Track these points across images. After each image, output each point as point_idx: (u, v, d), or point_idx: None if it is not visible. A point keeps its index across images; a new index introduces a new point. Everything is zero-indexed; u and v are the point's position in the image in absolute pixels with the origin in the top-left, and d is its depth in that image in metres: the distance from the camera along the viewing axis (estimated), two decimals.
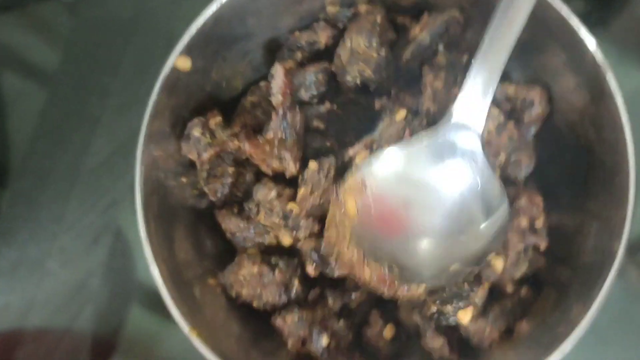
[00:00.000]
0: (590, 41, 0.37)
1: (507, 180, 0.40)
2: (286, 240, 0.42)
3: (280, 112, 0.41)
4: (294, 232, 0.41)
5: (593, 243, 0.39)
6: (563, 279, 0.40)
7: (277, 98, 0.41)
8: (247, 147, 0.40)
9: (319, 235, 0.41)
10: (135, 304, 0.53)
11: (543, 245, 0.40)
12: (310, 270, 0.41)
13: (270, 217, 0.40)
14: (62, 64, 0.56)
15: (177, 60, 0.39)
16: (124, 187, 0.52)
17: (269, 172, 0.41)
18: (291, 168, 0.41)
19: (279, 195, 0.40)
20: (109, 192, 0.53)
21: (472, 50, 0.43)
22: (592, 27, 0.40)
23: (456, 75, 0.41)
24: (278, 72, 0.40)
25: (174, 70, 0.40)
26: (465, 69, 0.42)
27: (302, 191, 0.40)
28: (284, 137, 0.41)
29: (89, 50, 0.55)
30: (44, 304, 0.52)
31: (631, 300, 0.49)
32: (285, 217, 0.40)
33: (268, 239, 0.43)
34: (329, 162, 0.40)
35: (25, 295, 0.52)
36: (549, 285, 0.41)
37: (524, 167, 0.40)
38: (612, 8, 0.53)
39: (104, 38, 0.55)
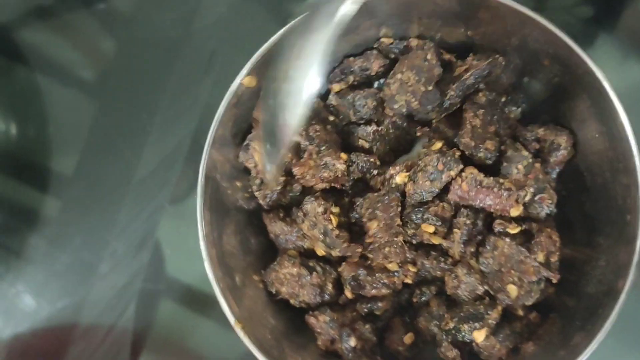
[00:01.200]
0: (610, 91, 0.41)
1: (528, 217, 0.45)
2: (320, 252, 0.47)
3: (303, 132, 0.46)
4: (329, 248, 0.46)
5: (600, 276, 0.43)
6: (569, 307, 0.45)
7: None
8: (296, 171, 0.45)
9: (359, 260, 0.46)
10: (169, 303, 0.58)
11: (555, 279, 0.44)
12: (348, 294, 0.47)
13: (313, 229, 0.45)
14: (110, 79, 0.60)
15: (245, 79, 0.44)
16: (166, 196, 0.57)
17: (322, 186, 0.46)
18: (338, 167, 0.45)
19: (324, 212, 0.45)
20: (154, 199, 0.57)
21: (509, 91, 0.48)
22: (597, 30, 0.43)
23: (494, 114, 0.46)
24: None
25: (241, 86, 0.44)
26: (502, 108, 0.47)
27: (374, 225, 0.45)
28: (318, 149, 0.46)
29: (138, 67, 0.59)
30: (94, 304, 0.57)
31: None
32: (325, 233, 0.45)
33: (307, 244, 0.48)
34: (397, 198, 0.45)
35: (78, 297, 0.57)
36: (556, 312, 0.46)
37: (546, 206, 0.44)
38: (616, 10, 0.55)
39: (153, 56, 0.59)
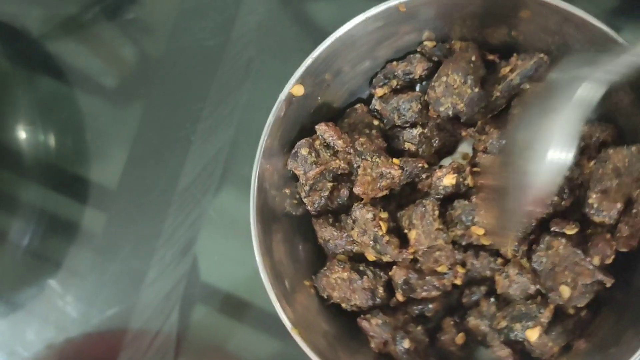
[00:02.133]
0: None
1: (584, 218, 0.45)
2: (370, 257, 0.48)
3: (351, 150, 0.47)
4: (380, 254, 0.47)
5: None
6: (620, 302, 0.45)
7: (338, 144, 0.47)
8: (358, 190, 0.46)
9: (411, 263, 0.47)
10: (202, 306, 0.59)
11: (609, 283, 0.44)
12: (399, 297, 0.48)
13: (363, 236, 0.46)
14: (152, 89, 0.61)
15: (293, 88, 0.45)
16: (207, 203, 0.59)
17: (381, 194, 0.47)
18: (394, 174, 0.46)
19: (373, 218, 0.46)
20: (197, 207, 0.59)
21: None
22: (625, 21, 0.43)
23: None
24: (321, 129, 0.47)
25: (289, 95, 0.45)
26: None
27: (413, 234, 0.46)
28: (371, 162, 0.47)
29: (180, 77, 0.61)
30: (142, 310, 0.59)
31: None
32: (375, 240, 0.46)
33: (356, 248, 0.49)
34: (432, 203, 0.46)
35: (127, 304, 0.59)
36: (607, 308, 0.46)
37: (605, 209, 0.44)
38: None
39: (194, 65, 0.60)
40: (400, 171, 0.46)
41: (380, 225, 0.46)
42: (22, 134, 0.63)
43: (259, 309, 0.57)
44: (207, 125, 0.59)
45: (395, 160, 0.47)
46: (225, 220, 0.59)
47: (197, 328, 0.59)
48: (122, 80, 0.63)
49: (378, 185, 0.46)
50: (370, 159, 0.46)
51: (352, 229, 0.47)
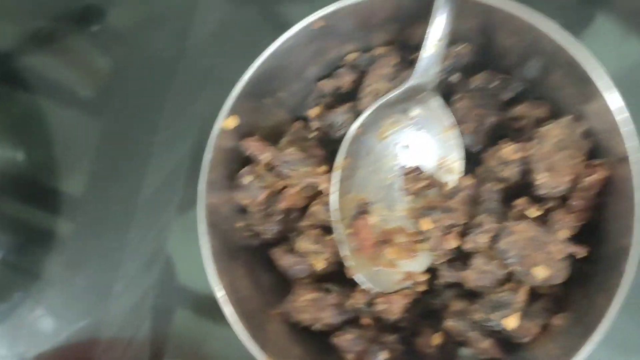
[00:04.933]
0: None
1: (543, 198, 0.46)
2: (320, 265, 0.49)
3: (278, 162, 0.49)
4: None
5: (610, 239, 0.45)
6: (589, 274, 0.46)
7: (264, 157, 0.49)
8: (283, 205, 0.49)
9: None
10: (182, 310, 0.61)
11: (584, 252, 0.44)
12: (366, 321, 0.49)
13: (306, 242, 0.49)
14: (109, 100, 0.65)
15: (225, 121, 0.47)
16: (171, 212, 0.61)
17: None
18: (322, 182, 0.48)
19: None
20: (161, 217, 0.61)
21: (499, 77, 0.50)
22: (593, 12, 0.45)
23: (482, 99, 0.49)
24: (246, 145, 0.49)
25: (223, 130, 0.47)
26: (493, 94, 0.50)
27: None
28: (299, 172, 0.49)
29: (137, 89, 0.64)
30: (111, 322, 0.61)
31: None
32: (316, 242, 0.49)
33: (318, 267, 0.50)
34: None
35: (95, 316, 0.62)
36: (576, 281, 0.47)
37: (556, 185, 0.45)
38: None
39: (147, 76, 0.64)
40: (324, 177, 0.48)
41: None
42: None
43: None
44: (166, 136, 0.62)
45: (321, 169, 0.48)
46: (191, 227, 0.60)
47: (173, 335, 0.61)
48: (82, 90, 0.67)
49: (306, 196, 0.48)
50: (298, 169, 0.48)
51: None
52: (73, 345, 0.62)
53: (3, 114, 0.68)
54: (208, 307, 0.59)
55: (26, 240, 0.65)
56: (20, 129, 0.67)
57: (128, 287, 0.61)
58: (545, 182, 0.45)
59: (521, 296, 0.45)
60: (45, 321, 0.62)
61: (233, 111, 0.47)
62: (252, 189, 0.48)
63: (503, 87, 0.50)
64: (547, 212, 0.46)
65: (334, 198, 0.47)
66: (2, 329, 0.63)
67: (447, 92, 0.50)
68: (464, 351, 0.50)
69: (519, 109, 0.49)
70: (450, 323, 0.48)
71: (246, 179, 0.48)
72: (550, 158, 0.45)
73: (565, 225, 0.44)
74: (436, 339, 0.49)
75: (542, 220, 0.45)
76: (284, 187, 0.49)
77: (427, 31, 0.45)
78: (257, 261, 0.52)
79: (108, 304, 0.61)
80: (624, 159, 0.42)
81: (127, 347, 0.60)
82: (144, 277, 0.61)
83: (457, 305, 0.49)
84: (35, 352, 0.62)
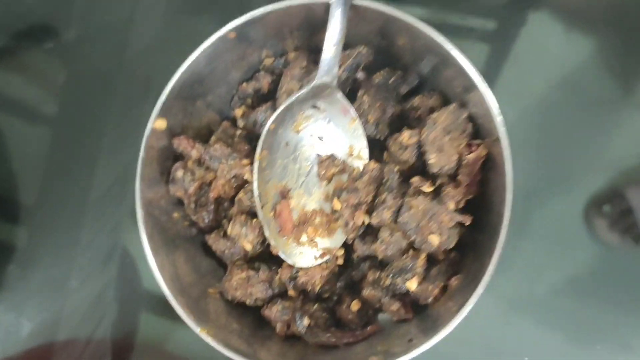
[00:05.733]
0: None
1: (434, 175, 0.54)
2: (247, 246, 0.56)
3: (206, 157, 0.56)
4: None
5: (492, 209, 0.51)
6: (477, 241, 0.53)
7: (193, 153, 0.56)
8: (213, 194, 0.56)
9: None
10: (144, 310, 0.67)
11: (468, 221, 0.52)
12: (292, 293, 0.56)
13: (234, 228, 0.56)
14: (61, 111, 0.71)
15: (155, 123, 0.53)
16: (124, 210, 0.68)
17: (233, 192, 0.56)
18: (246, 173, 0.55)
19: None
20: (113, 215, 0.68)
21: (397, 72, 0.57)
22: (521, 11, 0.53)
23: (383, 92, 0.56)
24: (176, 143, 0.56)
25: (154, 130, 0.53)
26: (393, 87, 0.57)
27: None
28: (226, 165, 0.55)
29: (82, 97, 0.71)
30: (69, 317, 0.67)
31: (601, 249, 0.61)
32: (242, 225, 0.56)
33: (249, 249, 0.56)
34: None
35: (53, 312, 0.67)
36: (469, 247, 0.54)
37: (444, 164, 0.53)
38: None
39: (94, 86, 0.70)
40: (248, 167, 0.54)
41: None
42: None
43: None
44: (113, 139, 0.69)
45: (245, 161, 0.55)
46: None
47: (140, 331, 0.66)
48: (38, 104, 0.73)
49: (234, 186, 0.55)
50: (225, 162, 0.54)
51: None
52: (29, 349, 0.67)
53: None
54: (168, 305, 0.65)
55: None
56: None
57: (84, 283, 0.67)
58: (436, 161, 0.52)
59: (420, 262, 0.53)
60: (7, 318, 0.68)
61: (163, 113, 0.54)
62: (184, 182, 0.55)
63: (401, 82, 0.57)
64: (439, 187, 0.53)
65: (254, 186, 0.54)
66: None
67: (354, 88, 0.57)
68: (382, 316, 0.57)
69: (415, 100, 0.56)
70: (367, 292, 0.56)
71: (178, 173, 0.55)
72: (440, 141, 0.52)
73: (453, 197, 0.51)
74: (355, 305, 0.56)
75: (435, 195, 0.53)
76: (213, 179, 0.56)
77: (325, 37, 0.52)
78: (196, 249, 0.59)
79: (65, 299, 0.67)
80: (496, 140, 0.50)
81: (86, 346, 0.66)
82: (100, 273, 0.67)
83: (372, 275, 0.56)
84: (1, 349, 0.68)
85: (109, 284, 0.67)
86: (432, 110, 0.55)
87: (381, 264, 0.56)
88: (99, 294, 0.67)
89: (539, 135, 0.63)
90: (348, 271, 0.57)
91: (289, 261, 0.55)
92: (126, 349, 0.66)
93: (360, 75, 0.57)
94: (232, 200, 0.57)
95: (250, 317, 0.57)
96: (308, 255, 0.55)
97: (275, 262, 0.57)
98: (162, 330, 0.66)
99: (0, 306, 0.69)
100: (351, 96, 0.56)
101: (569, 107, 0.62)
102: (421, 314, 0.55)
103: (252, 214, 0.56)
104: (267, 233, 0.54)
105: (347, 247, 0.56)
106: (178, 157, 0.57)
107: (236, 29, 0.53)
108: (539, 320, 0.61)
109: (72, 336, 0.67)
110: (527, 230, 0.61)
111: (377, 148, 0.56)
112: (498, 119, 0.49)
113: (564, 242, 0.61)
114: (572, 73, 0.62)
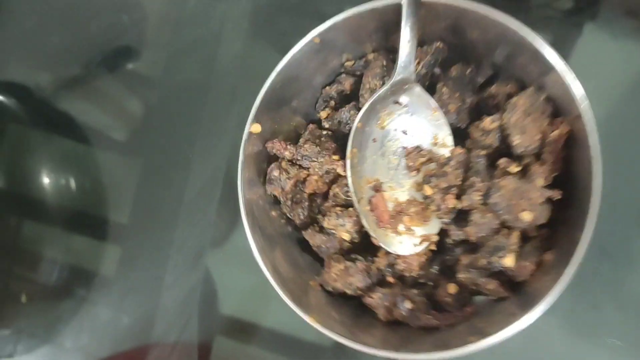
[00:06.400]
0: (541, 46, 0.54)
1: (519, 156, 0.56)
2: (345, 236, 0.59)
3: (299, 157, 0.60)
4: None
5: (579, 184, 0.53)
6: (568, 218, 0.55)
7: (286, 154, 0.60)
8: (309, 190, 0.60)
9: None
10: (226, 310, 0.71)
11: (558, 195, 0.54)
12: (390, 279, 0.59)
13: (330, 220, 0.59)
14: (159, 122, 0.78)
15: (251, 127, 0.58)
16: (213, 211, 0.73)
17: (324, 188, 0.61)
18: (338, 167, 0.59)
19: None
20: (204, 216, 0.73)
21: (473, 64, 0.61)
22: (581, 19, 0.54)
23: (461, 83, 0.59)
24: (270, 146, 0.61)
25: (251, 134, 0.58)
26: (470, 78, 0.60)
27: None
28: (317, 163, 0.60)
29: (176, 109, 0.77)
30: (163, 314, 0.72)
31: None
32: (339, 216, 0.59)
33: (345, 244, 0.60)
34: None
35: (150, 306, 0.73)
36: (560, 224, 0.56)
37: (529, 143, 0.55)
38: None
39: (187, 97, 0.76)
40: (340, 162, 0.58)
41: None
42: (46, 183, 0.80)
43: (267, 329, 0.70)
44: (204, 146, 0.74)
45: (335, 157, 0.59)
46: (233, 221, 0.73)
47: (221, 332, 0.71)
48: (126, 123, 0.80)
49: (326, 181, 0.59)
50: (316, 160, 0.58)
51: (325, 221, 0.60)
52: (124, 353, 0.72)
53: (50, 152, 0.81)
54: (253, 305, 0.70)
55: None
56: (70, 162, 0.80)
57: (177, 279, 0.72)
58: (520, 142, 0.55)
59: (514, 239, 0.55)
60: (106, 313, 0.74)
61: (257, 119, 0.58)
62: (280, 181, 0.59)
63: (476, 73, 0.60)
64: (525, 167, 0.55)
65: (349, 182, 0.57)
66: (69, 324, 0.75)
67: (431, 83, 0.61)
68: (478, 298, 0.59)
69: (492, 89, 0.59)
70: (462, 275, 0.58)
71: (275, 172, 0.60)
72: (521, 123, 0.55)
73: (540, 175, 0.54)
74: (452, 288, 0.58)
75: (522, 175, 0.55)
76: (307, 176, 0.59)
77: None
78: (293, 245, 0.62)
79: (160, 295, 0.72)
80: (578, 116, 0.52)
81: (173, 349, 0.70)
82: (191, 271, 0.72)
83: (466, 259, 0.58)
84: (95, 344, 0.73)
85: (197, 284, 0.72)
86: (509, 97, 0.58)
87: (473, 248, 0.58)
88: (188, 293, 0.72)
89: (622, 111, 0.64)
90: (440, 256, 0.60)
91: (391, 250, 0.58)
92: (211, 352, 0.70)
93: (437, 71, 0.61)
94: (324, 196, 0.61)
95: (350, 307, 0.60)
96: (407, 243, 0.58)
97: (369, 253, 0.60)
98: (244, 331, 0.70)
99: (102, 301, 0.74)
100: (429, 91, 0.59)
101: None
102: (518, 292, 0.57)
103: (346, 206, 0.59)
104: (366, 226, 0.57)
105: (439, 233, 0.59)
106: (271, 159, 0.61)
107: (320, 34, 0.57)
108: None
109: (165, 329, 0.71)
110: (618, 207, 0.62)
111: (459, 137, 0.59)
112: (579, 95, 0.52)
113: None
114: None
